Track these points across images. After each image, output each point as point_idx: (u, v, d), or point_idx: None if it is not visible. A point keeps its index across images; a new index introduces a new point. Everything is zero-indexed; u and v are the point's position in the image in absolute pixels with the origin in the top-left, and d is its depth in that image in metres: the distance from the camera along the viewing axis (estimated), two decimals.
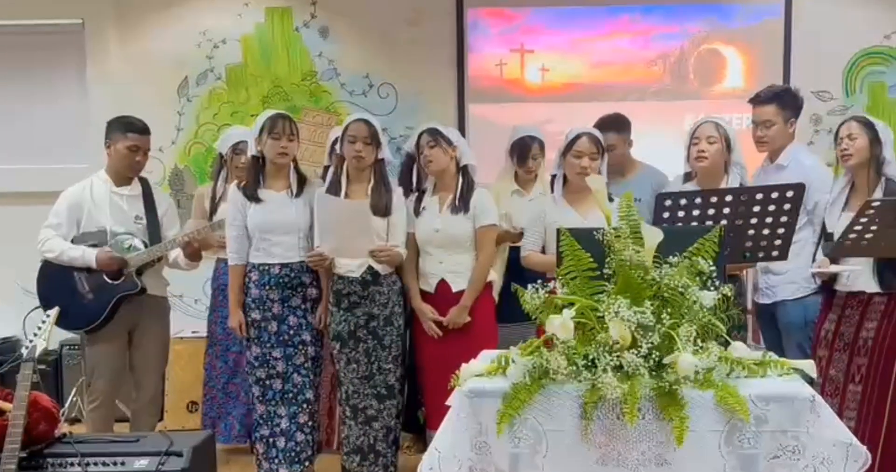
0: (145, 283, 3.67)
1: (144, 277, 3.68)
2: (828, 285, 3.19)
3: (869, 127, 3.11)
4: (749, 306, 4.29)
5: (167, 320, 3.90)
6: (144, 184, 3.80)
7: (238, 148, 4.12)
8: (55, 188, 4.16)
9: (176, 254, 3.75)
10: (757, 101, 3.73)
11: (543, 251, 3.46)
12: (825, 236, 3.13)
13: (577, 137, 3.41)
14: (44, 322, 2.73)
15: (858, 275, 3.06)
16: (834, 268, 3.04)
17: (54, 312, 2.76)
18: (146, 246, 3.66)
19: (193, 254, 3.72)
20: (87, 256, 3.59)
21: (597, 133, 3.51)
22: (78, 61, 5.31)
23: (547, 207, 3.48)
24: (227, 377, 4.22)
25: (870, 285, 3.08)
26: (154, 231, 3.71)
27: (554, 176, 3.54)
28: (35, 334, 2.69)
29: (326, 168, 4.08)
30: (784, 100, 3.68)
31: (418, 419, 4.09)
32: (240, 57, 5.31)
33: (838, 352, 3.13)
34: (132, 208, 3.71)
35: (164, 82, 5.28)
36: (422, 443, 4.17)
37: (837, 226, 3.10)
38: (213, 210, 4.13)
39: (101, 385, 3.71)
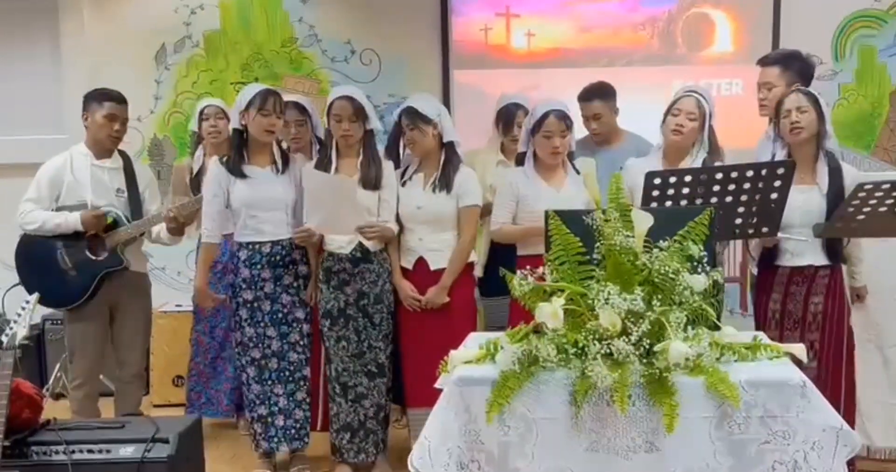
0: (127, 258, 3.63)
1: (126, 252, 3.64)
2: (766, 260, 3.16)
3: (814, 100, 3.07)
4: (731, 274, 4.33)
5: (149, 297, 3.87)
6: (125, 157, 3.75)
7: (204, 114, 4.10)
8: (32, 160, 4.08)
9: (159, 229, 3.70)
10: (763, 62, 3.66)
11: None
12: None
13: (545, 116, 3.33)
14: (24, 309, 2.67)
15: (805, 246, 3.04)
16: (781, 235, 3.00)
17: (34, 298, 2.70)
18: (128, 220, 3.61)
19: (177, 229, 3.66)
20: (71, 219, 3.54)
21: (562, 107, 3.41)
22: (51, 28, 5.16)
23: (518, 181, 3.42)
24: (215, 353, 4.19)
25: (817, 258, 3.07)
26: (135, 205, 3.68)
27: (523, 153, 3.47)
28: (14, 321, 2.63)
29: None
30: (789, 63, 3.60)
31: None
32: (218, 23, 5.17)
33: (789, 330, 3.12)
34: (113, 182, 3.67)
35: (140, 50, 5.15)
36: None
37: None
38: (196, 185, 4.06)
39: (83, 364, 3.69)
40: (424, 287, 3.48)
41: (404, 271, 3.52)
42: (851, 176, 3.08)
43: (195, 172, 4.11)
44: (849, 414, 3.04)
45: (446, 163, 3.47)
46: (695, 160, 3.31)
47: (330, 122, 3.46)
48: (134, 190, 3.69)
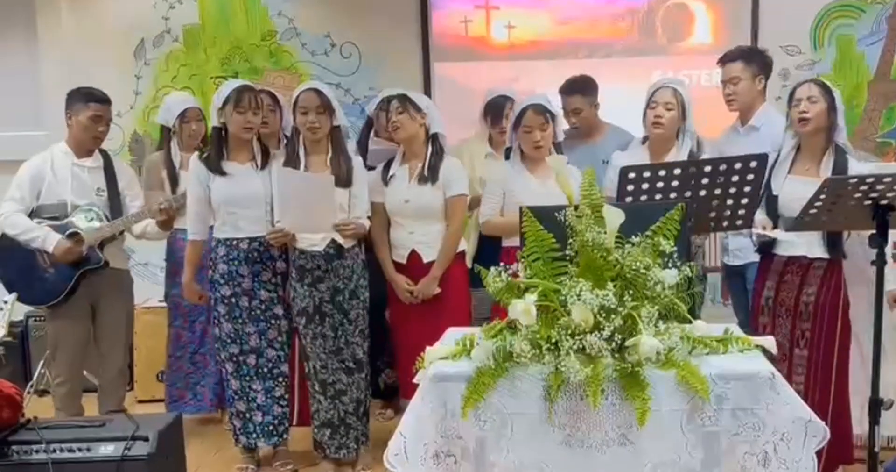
0: (107, 256, 3.67)
1: (106, 250, 3.67)
2: (765, 249, 3.19)
3: (827, 92, 3.08)
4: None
5: (131, 293, 3.91)
6: (105, 156, 3.78)
7: (186, 117, 4.04)
8: (11, 157, 4.06)
9: (145, 225, 3.73)
10: (724, 59, 3.77)
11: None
12: (769, 198, 3.11)
13: (523, 111, 3.36)
14: (2, 309, 2.68)
15: (800, 236, 3.05)
16: (776, 233, 3.03)
17: (11, 298, 2.72)
18: (108, 219, 3.64)
19: (167, 223, 3.68)
20: (48, 241, 3.57)
21: (541, 101, 3.43)
22: (28, 24, 5.12)
23: (505, 174, 3.45)
24: (195, 347, 4.18)
25: (812, 250, 3.09)
26: (115, 204, 3.71)
27: (509, 148, 3.50)
28: None
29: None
30: (750, 57, 3.72)
31: (380, 385, 4.13)
32: (196, 17, 5.15)
33: (780, 318, 3.16)
34: (94, 181, 3.70)
35: (119, 45, 5.12)
36: (393, 408, 4.21)
37: (783, 189, 3.09)
38: (175, 179, 4.02)
39: (64, 361, 3.72)
40: (419, 280, 3.49)
41: (397, 265, 3.53)
42: (856, 172, 2.96)
43: (177, 166, 4.02)
44: (840, 404, 3.09)
45: (432, 155, 3.48)
46: (681, 151, 3.33)
47: (296, 116, 3.43)
48: (114, 189, 3.72)
